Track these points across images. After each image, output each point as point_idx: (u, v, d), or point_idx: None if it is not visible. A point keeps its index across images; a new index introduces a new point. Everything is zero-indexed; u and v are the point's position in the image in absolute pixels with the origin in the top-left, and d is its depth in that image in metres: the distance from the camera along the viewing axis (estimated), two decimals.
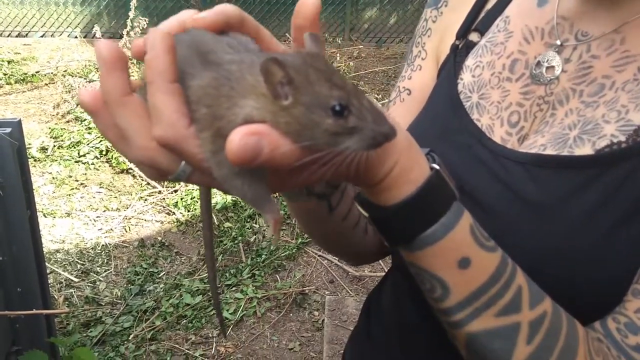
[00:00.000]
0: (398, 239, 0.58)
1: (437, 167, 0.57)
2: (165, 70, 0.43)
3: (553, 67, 0.72)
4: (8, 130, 1.79)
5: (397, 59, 7.68)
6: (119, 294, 3.20)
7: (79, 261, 3.46)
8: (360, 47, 8.19)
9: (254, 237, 3.73)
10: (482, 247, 0.58)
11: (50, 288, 2.65)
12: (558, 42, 0.72)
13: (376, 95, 5.85)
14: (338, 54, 7.15)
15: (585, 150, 0.65)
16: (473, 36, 0.83)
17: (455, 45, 0.84)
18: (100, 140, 4.62)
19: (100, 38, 7.14)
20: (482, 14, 0.83)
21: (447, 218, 0.56)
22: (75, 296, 3.17)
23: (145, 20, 6.76)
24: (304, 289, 3.34)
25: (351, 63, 6.84)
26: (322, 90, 0.42)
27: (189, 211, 3.95)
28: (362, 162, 0.46)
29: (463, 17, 0.85)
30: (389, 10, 8.75)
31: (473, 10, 0.84)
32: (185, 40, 0.47)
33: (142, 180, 4.30)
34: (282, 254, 3.59)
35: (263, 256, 3.56)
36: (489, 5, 0.83)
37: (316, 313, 3.18)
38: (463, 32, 0.83)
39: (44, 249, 2.25)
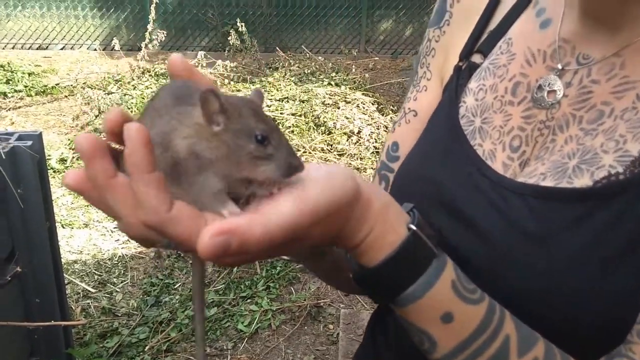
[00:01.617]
0: (381, 297, 0.62)
1: (414, 227, 0.59)
2: (142, 162, 0.46)
3: (554, 91, 0.71)
4: (29, 143, 1.83)
5: (412, 70, 7.68)
6: (135, 305, 3.22)
7: (96, 272, 3.49)
8: (376, 58, 8.21)
9: None
10: (465, 300, 0.60)
11: (68, 299, 2.68)
12: (559, 66, 0.71)
13: (392, 107, 5.86)
14: (353, 66, 7.17)
15: (584, 181, 0.64)
16: (476, 57, 0.82)
17: (458, 67, 0.83)
18: None
19: (119, 50, 7.26)
20: (485, 35, 0.82)
21: (426, 276, 0.59)
22: (92, 307, 3.19)
23: (163, 33, 6.87)
24: (319, 301, 3.33)
25: (366, 75, 6.85)
26: (249, 122, 0.50)
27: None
28: None
29: (466, 36, 0.84)
30: (405, 22, 8.77)
31: (475, 30, 0.83)
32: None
33: None
34: (297, 266, 3.59)
35: (278, 268, 3.56)
36: (491, 26, 0.82)
37: (331, 326, 3.17)
38: (466, 54, 0.83)
39: (62, 260, 2.27)
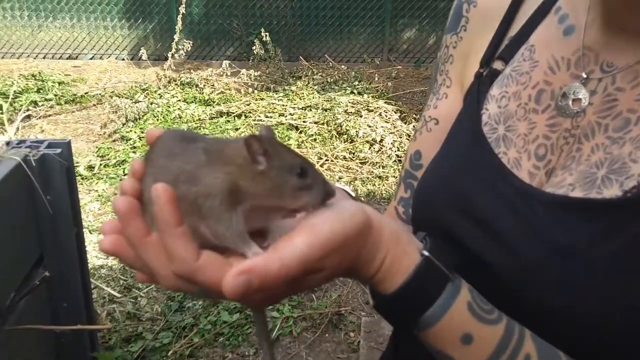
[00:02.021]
0: (401, 322, 0.64)
1: (426, 253, 0.61)
2: (170, 218, 0.51)
3: (579, 99, 0.69)
4: (58, 150, 1.88)
5: (432, 78, 7.64)
6: (159, 310, 3.27)
7: (122, 277, 3.56)
8: (399, 67, 8.20)
9: None
10: (482, 321, 0.61)
11: (94, 303, 2.73)
12: (584, 75, 0.70)
13: (415, 116, 5.84)
14: (376, 75, 7.18)
15: (614, 191, 0.62)
16: (497, 64, 0.80)
17: (479, 73, 0.82)
18: None
19: (146, 60, 7.40)
20: (506, 41, 0.81)
21: (442, 300, 0.60)
22: (117, 311, 3.25)
23: (189, 43, 6.98)
24: (340, 309, 3.34)
25: (389, 83, 6.85)
26: (289, 159, 0.57)
27: None
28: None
29: (485, 42, 0.83)
30: (428, 30, 8.75)
31: (496, 37, 0.82)
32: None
33: None
34: None
35: None
36: (512, 32, 0.81)
37: (352, 334, 3.17)
38: (487, 60, 0.82)
39: (89, 265, 2.32)
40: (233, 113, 5.73)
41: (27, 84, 6.48)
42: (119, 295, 3.39)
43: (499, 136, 0.75)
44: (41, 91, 6.44)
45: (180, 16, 7.02)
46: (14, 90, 6.07)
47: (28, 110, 5.92)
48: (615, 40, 0.68)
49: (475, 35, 0.85)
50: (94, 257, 3.66)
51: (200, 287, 0.53)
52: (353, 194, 0.65)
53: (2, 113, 5.52)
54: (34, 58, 8.11)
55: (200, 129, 5.45)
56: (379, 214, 0.61)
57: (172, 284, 0.54)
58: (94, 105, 6.40)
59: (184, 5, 6.99)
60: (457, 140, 0.81)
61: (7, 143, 1.85)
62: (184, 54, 7.09)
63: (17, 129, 5.43)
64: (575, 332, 0.63)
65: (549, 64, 0.74)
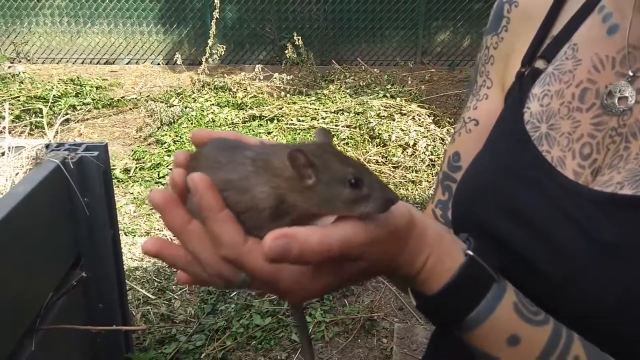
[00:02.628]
0: (445, 323, 0.63)
1: (471, 253, 0.60)
2: (213, 203, 0.51)
3: (626, 97, 0.68)
4: (96, 153, 1.91)
5: (470, 80, 7.54)
6: (193, 312, 3.29)
7: (156, 279, 3.60)
8: (432, 70, 8.12)
9: None
10: (529, 322, 0.60)
11: (129, 304, 2.77)
12: (630, 73, 0.69)
13: (448, 119, 5.77)
14: (409, 78, 7.12)
15: None
16: (539, 63, 0.80)
17: (520, 73, 0.81)
18: None
19: (181, 65, 7.51)
20: (548, 41, 0.80)
21: (487, 300, 0.59)
22: (151, 313, 3.28)
23: (223, 47, 7.06)
24: (373, 315, 3.30)
25: (422, 87, 6.78)
26: (338, 169, 0.52)
27: None
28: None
29: (526, 42, 0.82)
30: (462, 33, 8.65)
31: (538, 36, 0.81)
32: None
33: None
34: None
35: None
36: (554, 31, 0.80)
37: (385, 340, 3.13)
38: (528, 59, 0.81)
39: (124, 267, 2.35)
40: (266, 117, 5.75)
41: (66, 89, 6.64)
42: (153, 297, 3.43)
43: (541, 134, 0.74)
44: (79, 95, 6.60)
45: (214, 21, 7.09)
46: (54, 95, 6.22)
47: (67, 114, 6.06)
48: None
49: (517, 35, 0.84)
50: (129, 259, 3.72)
51: (244, 274, 0.53)
52: None
53: (42, 117, 5.66)
54: (73, 63, 8.31)
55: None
56: (422, 214, 0.61)
57: (216, 270, 0.53)
58: (130, 109, 6.52)
59: (217, 11, 7.06)
60: (499, 140, 0.80)
61: (47, 146, 1.89)
62: (218, 58, 7.17)
63: (56, 132, 5.57)
64: (625, 332, 0.61)
65: (593, 63, 0.73)
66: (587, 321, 0.63)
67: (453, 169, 0.90)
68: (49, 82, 6.91)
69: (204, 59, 7.05)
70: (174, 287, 3.53)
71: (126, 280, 2.88)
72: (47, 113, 5.84)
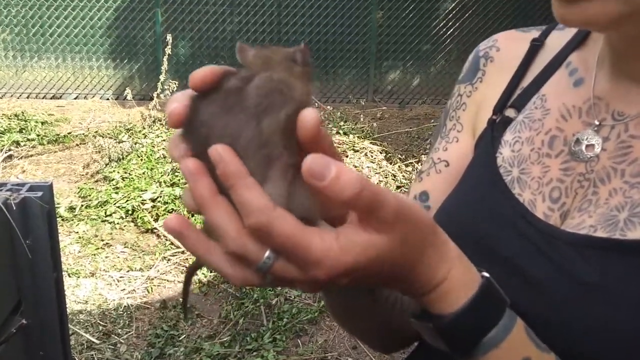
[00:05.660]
0: (461, 345, 0.60)
1: (487, 274, 0.60)
2: (239, 170, 0.49)
3: (592, 145, 0.72)
4: (40, 194, 1.83)
5: (420, 120, 7.76)
6: (139, 357, 3.16)
7: (101, 322, 3.45)
8: (384, 108, 8.31)
9: (276, 299, 3.68)
10: (538, 347, 0.61)
11: (72, 350, 2.63)
12: (596, 122, 0.72)
13: (400, 156, 5.88)
14: (362, 115, 7.25)
15: (638, 233, 0.64)
16: (509, 112, 0.84)
17: (492, 120, 0.85)
18: (127, 200, 4.69)
19: (131, 100, 7.40)
20: (518, 91, 0.84)
21: (504, 320, 0.59)
22: (96, 359, 3.14)
23: (175, 83, 7.00)
24: (326, 354, 3.26)
25: (374, 124, 6.92)
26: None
27: (210, 272, 3.93)
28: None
29: (498, 92, 0.86)
30: (412, 72, 8.92)
31: (509, 86, 0.85)
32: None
33: (167, 239, 4.33)
34: (304, 318, 3.52)
35: (285, 319, 3.50)
36: (524, 83, 0.84)
37: None
38: (500, 108, 0.85)
39: (67, 310, 2.25)
40: None
41: (9, 124, 6.43)
42: (97, 341, 3.28)
43: (513, 178, 0.77)
44: (24, 131, 6.38)
45: (166, 57, 7.06)
46: None
47: (10, 150, 5.84)
48: (625, 90, 0.71)
49: (490, 85, 0.89)
50: (73, 302, 3.56)
51: (268, 251, 0.50)
52: None
53: None
54: (17, 98, 8.05)
55: None
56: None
57: (239, 243, 0.50)
58: (77, 145, 6.34)
59: (170, 46, 7.04)
60: (472, 182, 0.83)
61: None
62: (170, 94, 7.10)
63: None
64: None
65: (560, 112, 0.77)
66: (570, 357, 0.64)
67: None
68: None
69: (155, 95, 6.98)
70: (119, 330, 3.39)
71: (69, 324, 2.74)
72: None
